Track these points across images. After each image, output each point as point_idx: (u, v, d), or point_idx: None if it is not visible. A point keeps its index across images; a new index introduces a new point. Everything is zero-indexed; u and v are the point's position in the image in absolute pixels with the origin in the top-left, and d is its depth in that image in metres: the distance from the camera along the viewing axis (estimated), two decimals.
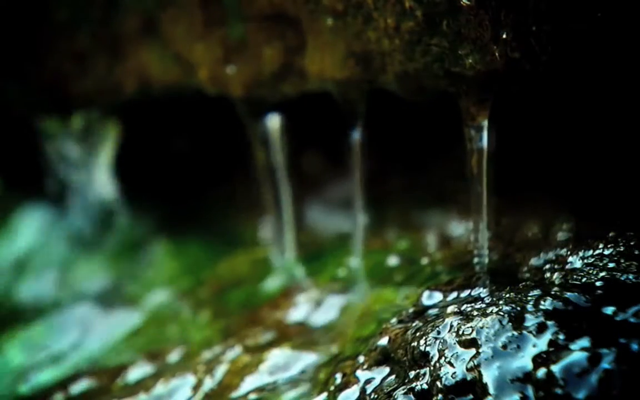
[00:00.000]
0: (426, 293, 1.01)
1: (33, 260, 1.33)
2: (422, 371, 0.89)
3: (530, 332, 0.86)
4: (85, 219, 1.35)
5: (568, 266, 0.96)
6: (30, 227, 1.36)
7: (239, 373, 1.03)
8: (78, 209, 1.35)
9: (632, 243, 0.93)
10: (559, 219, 1.03)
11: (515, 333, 0.86)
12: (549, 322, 0.86)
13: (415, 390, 0.88)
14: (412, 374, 0.90)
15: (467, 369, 0.86)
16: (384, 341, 0.95)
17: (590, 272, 0.92)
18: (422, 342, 0.90)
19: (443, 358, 0.88)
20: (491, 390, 0.84)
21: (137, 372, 1.11)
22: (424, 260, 1.09)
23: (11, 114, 1.35)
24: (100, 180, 1.34)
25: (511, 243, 1.04)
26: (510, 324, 0.87)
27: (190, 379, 1.04)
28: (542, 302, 0.88)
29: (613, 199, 1.01)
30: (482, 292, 0.97)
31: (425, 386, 0.88)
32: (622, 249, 0.93)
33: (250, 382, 1.01)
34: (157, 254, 1.30)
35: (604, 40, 0.91)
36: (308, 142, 1.24)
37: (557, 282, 0.94)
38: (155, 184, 1.36)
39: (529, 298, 0.89)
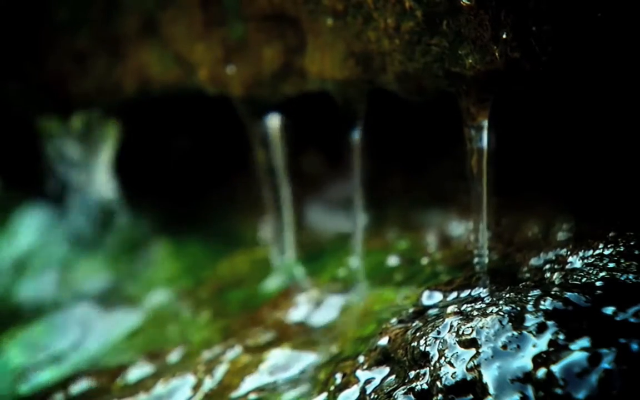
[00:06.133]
0: (426, 293, 1.01)
1: (33, 260, 1.33)
2: (422, 371, 0.89)
3: (530, 332, 0.86)
4: (85, 218, 1.35)
5: (568, 266, 0.96)
6: (30, 227, 1.36)
7: (239, 373, 1.03)
8: (78, 209, 1.35)
9: (632, 243, 0.93)
10: (559, 219, 1.03)
11: (515, 333, 0.86)
12: (549, 322, 0.86)
13: (415, 390, 0.88)
14: (412, 374, 0.90)
15: (467, 369, 0.86)
16: (384, 341, 0.95)
17: (590, 272, 0.92)
18: (422, 342, 0.90)
19: (443, 358, 0.88)
20: (491, 390, 0.84)
21: (137, 372, 1.11)
22: (424, 260, 1.09)
23: (11, 114, 1.35)
24: (100, 180, 1.34)
25: (511, 243, 1.04)
26: (510, 324, 0.87)
27: (190, 379, 1.04)
28: (542, 302, 0.88)
29: (613, 199, 1.01)
30: (482, 292, 0.97)
31: (425, 386, 0.88)
32: (622, 249, 0.93)
33: (250, 382, 1.01)
34: (157, 254, 1.30)
35: (604, 40, 0.91)
36: (308, 142, 1.24)
37: (557, 282, 0.94)
38: (156, 183, 1.36)
39: (529, 298, 0.89)
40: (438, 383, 0.87)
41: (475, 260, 1.02)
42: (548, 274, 0.96)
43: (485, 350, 0.86)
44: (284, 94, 1.11)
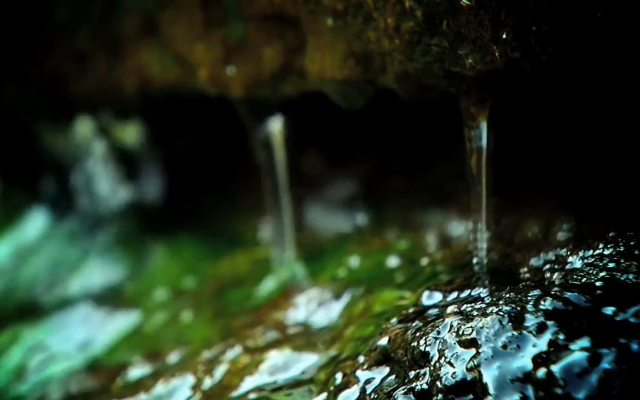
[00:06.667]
0: (426, 293, 1.01)
1: (33, 260, 1.33)
2: (422, 371, 0.89)
3: (530, 332, 0.86)
4: (85, 218, 1.35)
5: (568, 266, 0.96)
6: (30, 227, 1.36)
7: (239, 373, 1.03)
8: (78, 209, 1.35)
9: (632, 243, 0.93)
10: (559, 219, 1.03)
11: (515, 333, 0.86)
12: (549, 322, 0.86)
13: (415, 390, 0.88)
14: (412, 374, 0.90)
15: (467, 369, 0.86)
16: (384, 341, 0.95)
17: (590, 272, 0.92)
18: (422, 342, 0.90)
19: (443, 358, 0.88)
20: (491, 390, 0.84)
21: (137, 372, 1.11)
22: (424, 260, 1.09)
23: (11, 114, 1.35)
24: (100, 180, 1.34)
25: (511, 243, 1.04)
26: (510, 324, 0.87)
27: (190, 379, 1.04)
28: (542, 302, 0.88)
29: (613, 199, 1.01)
30: (482, 292, 0.97)
31: (425, 386, 0.88)
32: (622, 249, 0.93)
33: (250, 382, 1.01)
34: (156, 254, 1.30)
35: (604, 40, 0.91)
36: (308, 142, 1.24)
37: (557, 282, 0.94)
38: (156, 183, 1.36)
39: (529, 298, 0.89)
40: (438, 383, 0.87)
41: (475, 260, 1.02)
42: (548, 274, 0.96)
43: (485, 350, 0.86)
44: (284, 94, 1.11)
